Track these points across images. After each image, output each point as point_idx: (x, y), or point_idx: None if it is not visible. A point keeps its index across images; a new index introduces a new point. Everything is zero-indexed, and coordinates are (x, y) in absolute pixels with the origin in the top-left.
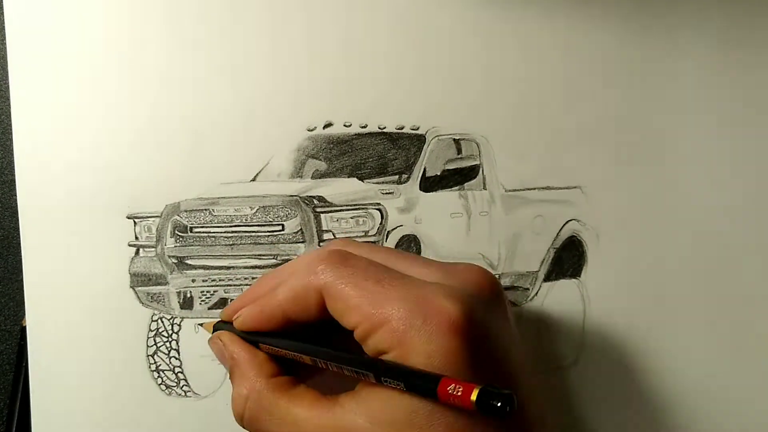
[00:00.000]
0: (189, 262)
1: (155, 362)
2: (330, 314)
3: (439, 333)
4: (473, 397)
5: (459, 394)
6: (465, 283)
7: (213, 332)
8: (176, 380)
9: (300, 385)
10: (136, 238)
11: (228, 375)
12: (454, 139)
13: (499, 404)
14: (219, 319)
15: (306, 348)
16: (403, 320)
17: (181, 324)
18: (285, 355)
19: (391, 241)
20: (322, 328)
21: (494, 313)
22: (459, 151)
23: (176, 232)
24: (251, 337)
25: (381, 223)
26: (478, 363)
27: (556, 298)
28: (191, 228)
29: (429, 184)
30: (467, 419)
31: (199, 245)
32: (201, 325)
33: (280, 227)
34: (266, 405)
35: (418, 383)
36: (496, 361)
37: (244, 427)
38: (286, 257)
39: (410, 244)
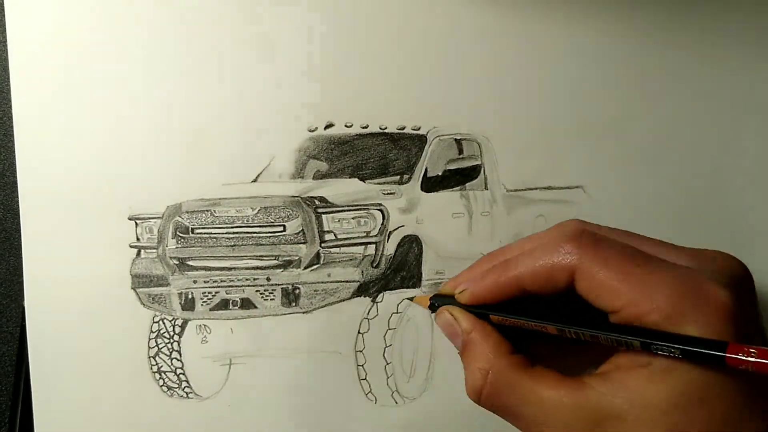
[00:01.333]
0: (190, 263)
1: (157, 363)
2: (573, 292)
3: (713, 319)
4: None
5: (752, 358)
6: (724, 268)
7: (429, 307)
8: (178, 381)
9: (537, 365)
10: (138, 239)
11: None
12: (456, 140)
13: None
14: (433, 293)
15: (559, 315)
16: (675, 305)
17: (183, 325)
18: (525, 326)
19: (393, 242)
20: (548, 303)
21: (752, 299)
22: (460, 151)
23: (178, 233)
24: (479, 310)
25: (382, 224)
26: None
27: None
28: (193, 229)
29: (430, 185)
30: (756, 387)
31: (200, 246)
32: (411, 299)
33: (281, 228)
34: (509, 381)
35: (700, 349)
36: (765, 344)
37: (479, 403)
38: (288, 258)
39: (412, 244)
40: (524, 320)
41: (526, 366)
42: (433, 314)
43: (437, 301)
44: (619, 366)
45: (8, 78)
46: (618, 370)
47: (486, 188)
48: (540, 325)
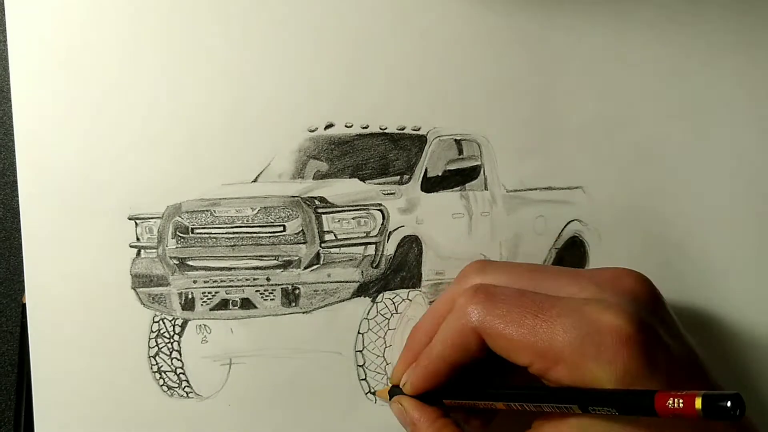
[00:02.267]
0: (190, 263)
1: (157, 363)
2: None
3: (618, 353)
4: (698, 405)
5: (680, 405)
6: (621, 292)
7: (390, 398)
8: (178, 381)
9: None
10: (138, 239)
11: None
12: (456, 140)
13: (729, 405)
14: (391, 386)
15: (500, 394)
16: (578, 352)
17: (183, 325)
18: (474, 407)
19: (393, 242)
20: (478, 369)
21: (658, 316)
22: (460, 151)
23: (177, 233)
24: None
25: (382, 224)
26: (665, 370)
27: None
28: (192, 229)
29: (430, 185)
30: (689, 429)
31: (200, 246)
32: (374, 393)
33: (281, 228)
34: None
35: (632, 404)
36: (681, 363)
37: None
38: (288, 258)
39: (411, 244)
40: (474, 402)
41: None
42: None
43: (395, 392)
44: (549, 419)
45: (8, 77)
46: (553, 420)
47: (486, 189)
48: (489, 404)
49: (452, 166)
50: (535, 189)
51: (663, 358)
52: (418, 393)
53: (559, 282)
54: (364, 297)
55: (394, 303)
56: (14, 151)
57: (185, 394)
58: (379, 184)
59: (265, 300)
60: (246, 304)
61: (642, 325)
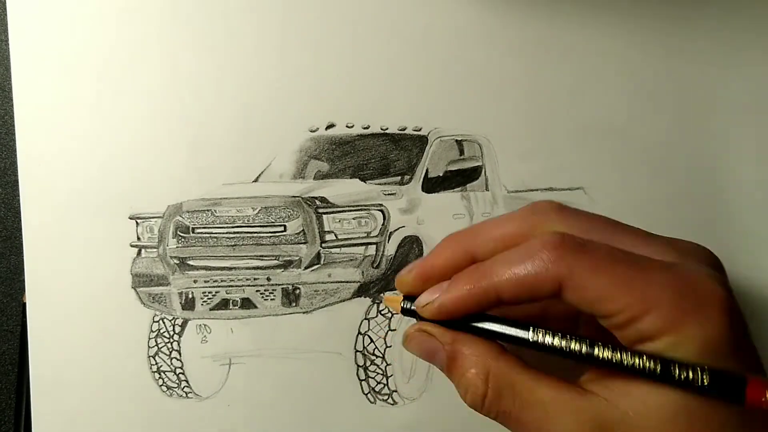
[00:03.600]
0: (191, 262)
1: (156, 363)
2: (556, 301)
3: (715, 318)
4: None
5: None
6: (706, 262)
7: (402, 311)
8: (177, 381)
9: (530, 367)
10: (138, 238)
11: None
12: (457, 140)
13: None
14: (401, 290)
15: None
16: (675, 305)
17: (183, 325)
18: (518, 343)
19: (393, 242)
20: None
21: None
22: (461, 152)
23: (178, 232)
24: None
25: (383, 224)
26: (744, 349)
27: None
28: (193, 229)
29: (431, 185)
30: (744, 416)
31: (201, 246)
32: (381, 294)
33: (282, 228)
34: (511, 382)
35: (720, 383)
36: (752, 346)
37: (482, 411)
38: (288, 258)
39: (412, 245)
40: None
41: (524, 367)
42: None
43: (409, 304)
44: (614, 372)
45: (10, 77)
46: (618, 377)
47: (487, 189)
48: (552, 343)
49: (453, 167)
50: (537, 190)
51: (746, 338)
52: (444, 318)
53: (636, 242)
54: (365, 297)
55: None
56: (15, 150)
57: (184, 394)
58: (380, 184)
59: (265, 300)
60: (246, 304)
61: (733, 299)
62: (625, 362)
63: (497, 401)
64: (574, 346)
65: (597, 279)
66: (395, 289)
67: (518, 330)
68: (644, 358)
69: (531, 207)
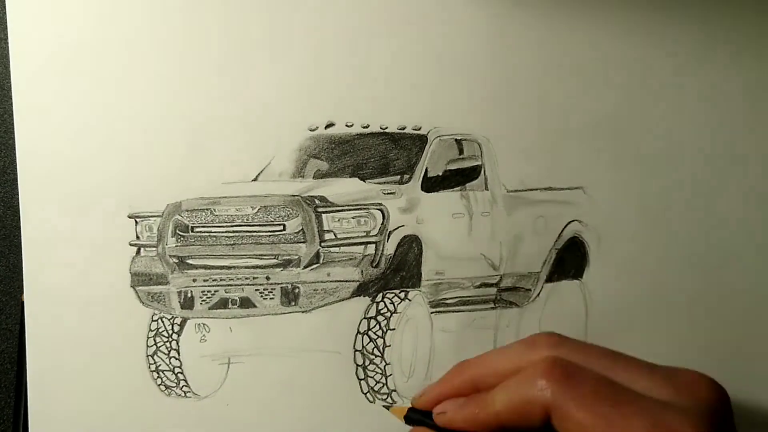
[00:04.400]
0: (190, 261)
1: (155, 362)
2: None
3: None
4: None
5: None
6: (698, 400)
7: (405, 419)
8: (176, 380)
9: None
10: (138, 237)
11: None
12: (456, 140)
13: None
14: (409, 406)
15: None
16: None
17: (182, 324)
18: None
19: (393, 242)
20: None
21: (729, 428)
22: (461, 151)
23: (177, 231)
24: None
25: (383, 223)
26: None
27: (558, 300)
28: (192, 227)
29: (431, 185)
30: None
31: (200, 245)
32: (389, 408)
33: (281, 227)
34: None
35: None
36: None
37: None
38: (287, 257)
39: (411, 244)
40: None
41: None
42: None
43: (414, 415)
44: None
45: (9, 75)
46: None
47: (486, 189)
48: None
49: (453, 166)
50: (536, 189)
51: None
52: (454, 429)
53: (633, 375)
54: (364, 296)
55: (393, 302)
56: (14, 149)
57: (183, 394)
58: (379, 183)
59: (264, 299)
60: (245, 303)
61: None
62: None
63: None
64: None
65: (579, 412)
66: (395, 289)
67: None
68: None
69: (531, 339)
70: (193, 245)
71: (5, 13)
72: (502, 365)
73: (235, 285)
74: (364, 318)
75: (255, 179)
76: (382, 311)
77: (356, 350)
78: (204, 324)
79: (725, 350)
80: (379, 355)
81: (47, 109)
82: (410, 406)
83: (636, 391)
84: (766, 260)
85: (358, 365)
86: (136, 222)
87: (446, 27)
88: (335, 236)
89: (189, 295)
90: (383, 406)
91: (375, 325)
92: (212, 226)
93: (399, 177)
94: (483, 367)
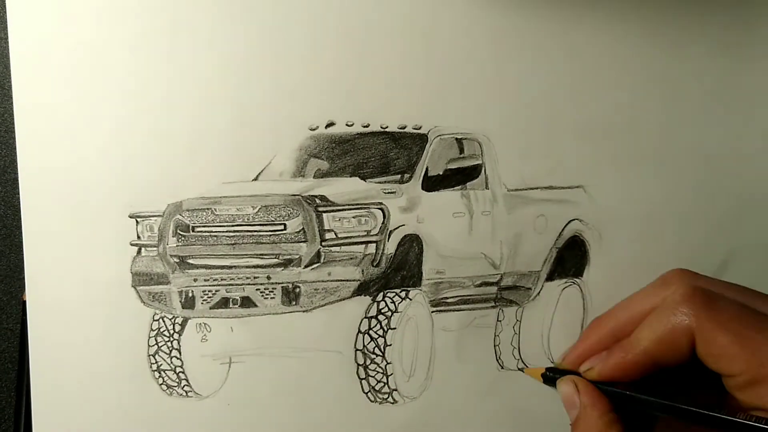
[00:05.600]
0: (191, 261)
1: (156, 362)
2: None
3: None
4: None
5: None
6: None
7: (543, 378)
8: (177, 380)
9: None
10: (138, 237)
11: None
12: (457, 139)
13: None
14: (547, 366)
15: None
16: None
17: (183, 323)
18: (645, 409)
19: (393, 241)
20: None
21: None
22: (461, 150)
23: (178, 231)
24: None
25: (383, 223)
26: None
27: (558, 298)
28: (193, 227)
29: (431, 184)
30: None
31: (201, 244)
32: (522, 370)
33: (282, 226)
34: None
35: None
36: None
37: None
38: (288, 256)
39: (412, 243)
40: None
41: None
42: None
43: (552, 373)
44: None
45: (9, 76)
46: None
47: (487, 188)
48: (689, 410)
49: (453, 165)
50: (536, 188)
51: None
52: (605, 380)
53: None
54: (365, 296)
55: (394, 302)
56: (15, 148)
57: (185, 393)
58: (379, 182)
59: (265, 298)
60: (246, 302)
61: None
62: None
63: None
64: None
65: (722, 335)
66: (395, 288)
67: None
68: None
69: (662, 278)
70: (194, 245)
71: (5, 13)
72: (638, 309)
73: (236, 284)
74: (365, 317)
75: (255, 179)
76: (382, 310)
77: (357, 349)
78: (205, 324)
79: None
80: (380, 354)
81: (48, 109)
82: (545, 367)
83: None
84: (766, 260)
85: (359, 364)
86: (136, 222)
87: (447, 27)
88: (336, 235)
89: (190, 294)
90: (518, 368)
91: (376, 325)
92: (213, 226)
93: (399, 176)
94: (619, 316)
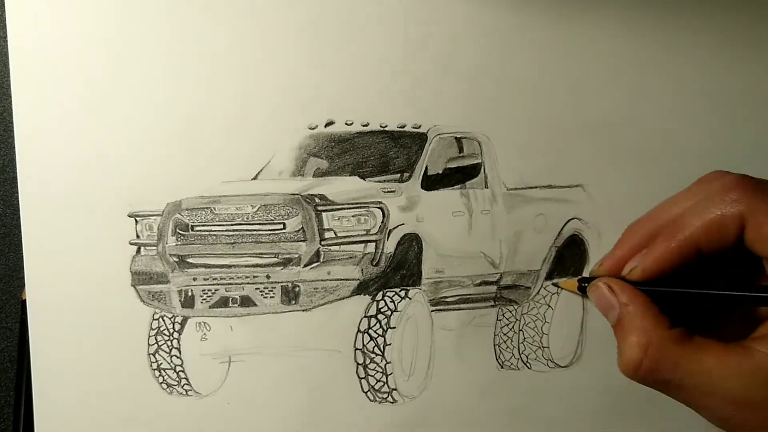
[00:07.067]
0: (190, 260)
1: (156, 361)
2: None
3: None
4: None
5: None
6: None
7: (579, 289)
8: (177, 379)
9: (695, 336)
10: (138, 236)
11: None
12: (456, 138)
13: None
14: (580, 276)
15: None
16: None
17: (183, 322)
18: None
19: (393, 240)
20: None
21: None
22: (460, 149)
23: (177, 230)
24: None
25: (383, 222)
26: None
27: (557, 297)
28: (192, 226)
29: (430, 183)
30: None
31: (200, 244)
32: (557, 284)
33: (281, 225)
34: (671, 355)
35: None
36: None
37: (635, 379)
38: (288, 256)
39: (412, 242)
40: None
41: (686, 338)
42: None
43: (587, 283)
44: None
45: (8, 74)
46: None
47: (486, 187)
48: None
49: (453, 164)
50: (536, 187)
51: None
52: (647, 278)
53: None
54: (364, 295)
55: (394, 301)
56: (14, 147)
57: (184, 392)
58: (379, 182)
59: (264, 298)
60: (246, 301)
61: None
62: None
63: (653, 372)
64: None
65: None
66: (395, 288)
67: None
68: None
69: (702, 178)
70: (194, 244)
71: (5, 13)
72: (679, 207)
73: (236, 284)
74: (365, 316)
75: (255, 178)
76: (382, 310)
77: (356, 349)
78: (205, 323)
79: None
80: (380, 353)
81: (47, 108)
82: (578, 278)
83: None
84: None
85: (358, 364)
86: (136, 221)
87: (447, 26)
88: (335, 235)
89: (189, 293)
90: (552, 283)
91: (375, 324)
92: (212, 225)
93: (399, 175)
94: (658, 217)
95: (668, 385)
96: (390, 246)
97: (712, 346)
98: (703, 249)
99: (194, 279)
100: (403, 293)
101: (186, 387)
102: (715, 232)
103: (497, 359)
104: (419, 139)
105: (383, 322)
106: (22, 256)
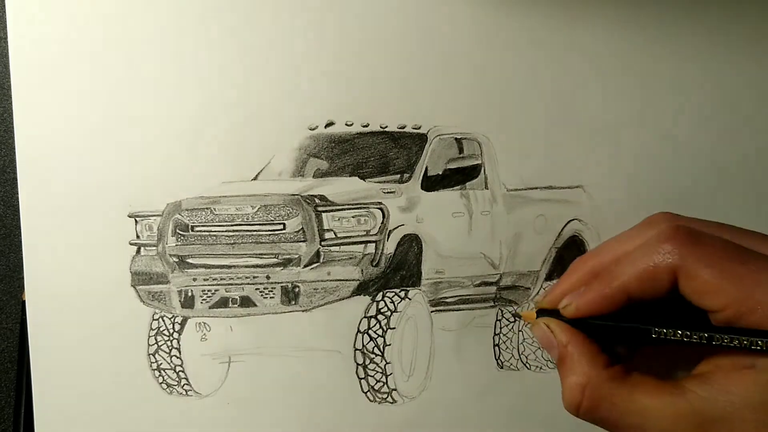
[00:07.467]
0: (190, 260)
1: (156, 361)
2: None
3: None
4: None
5: None
6: None
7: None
8: (177, 379)
9: (634, 372)
10: (138, 236)
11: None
12: (456, 139)
13: None
14: (537, 308)
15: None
16: None
17: (183, 323)
18: (632, 335)
19: (393, 241)
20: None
21: None
22: (461, 150)
23: (177, 230)
24: (579, 324)
25: (383, 222)
26: None
27: None
28: (192, 227)
29: (430, 184)
30: None
31: (200, 244)
32: (518, 316)
33: (281, 226)
34: (607, 395)
35: None
36: None
37: (578, 416)
38: (288, 256)
39: (412, 243)
40: (632, 326)
41: (623, 376)
42: (527, 326)
43: (540, 315)
44: (720, 367)
45: (9, 75)
46: (718, 371)
47: (486, 187)
48: (658, 332)
49: (453, 165)
50: (536, 188)
51: None
52: (582, 316)
53: (757, 241)
54: (364, 295)
55: (393, 301)
56: (14, 148)
57: (184, 392)
58: (379, 182)
59: (264, 298)
60: (246, 302)
61: None
62: (719, 340)
63: (593, 411)
64: (694, 335)
65: (707, 270)
66: (395, 288)
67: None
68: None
69: (647, 219)
70: (194, 244)
71: (5, 13)
72: (621, 248)
73: (236, 284)
74: (365, 317)
75: (255, 178)
76: (382, 310)
77: (356, 349)
78: (204, 323)
79: None
80: (380, 354)
81: (47, 108)
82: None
83: (764, 254)
84: None
85: (358, 364)
86: (136, 221)
87: (446, 26)
88: (335, 235)
89: (189, 294)
90: (512, 313)
91: (375, 324)
92: (212, 225)
93: (399, 176)
94: (602, 255)
95: (607, 423)
96: (390, 247)
97: (648, 384)
98: (636, 298)
99: (194, 279)
100: (403, 294)
101: (186, 387)
102: (647, 282)
103: (497, 360)
104: (419, 139)
105: (383, 323)
106: (22, 257)
